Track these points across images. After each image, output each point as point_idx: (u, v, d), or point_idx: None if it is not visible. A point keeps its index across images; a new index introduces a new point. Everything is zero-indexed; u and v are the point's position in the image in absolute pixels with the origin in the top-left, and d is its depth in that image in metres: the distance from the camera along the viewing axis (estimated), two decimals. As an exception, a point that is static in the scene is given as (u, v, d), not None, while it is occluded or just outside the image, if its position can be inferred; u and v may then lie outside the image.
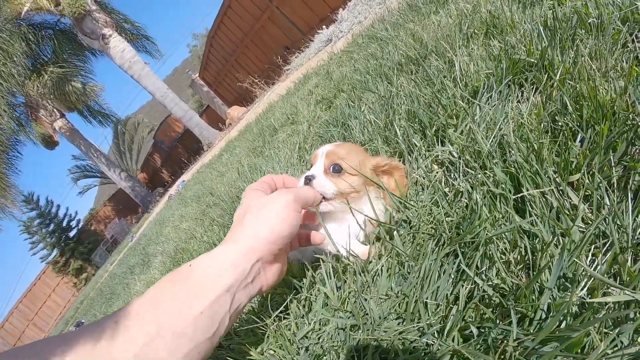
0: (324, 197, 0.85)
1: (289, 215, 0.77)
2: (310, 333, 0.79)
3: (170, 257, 2.76)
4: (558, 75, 0.78)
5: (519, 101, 0.86)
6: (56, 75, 15.07)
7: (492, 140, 0.72)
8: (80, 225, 27.19)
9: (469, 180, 0.70)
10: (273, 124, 3.22)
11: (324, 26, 8.36)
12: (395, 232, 0.74)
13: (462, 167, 0.74)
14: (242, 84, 11.74)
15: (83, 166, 27.37)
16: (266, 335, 0.85)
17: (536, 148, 0.62)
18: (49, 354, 0.54)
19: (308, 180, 0.86)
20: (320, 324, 0.79)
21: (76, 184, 27.77)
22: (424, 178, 0.83)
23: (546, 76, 0.83)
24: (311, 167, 0.91)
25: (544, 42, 0.91)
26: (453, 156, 0.80)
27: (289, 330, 0.83)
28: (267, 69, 11.24)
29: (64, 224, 26.44)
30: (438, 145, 0.90)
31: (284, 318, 0.86)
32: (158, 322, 0.62)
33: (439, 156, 0.85)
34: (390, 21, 2.97)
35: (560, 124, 0.68)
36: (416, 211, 0.75)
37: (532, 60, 0.90)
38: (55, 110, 18.05)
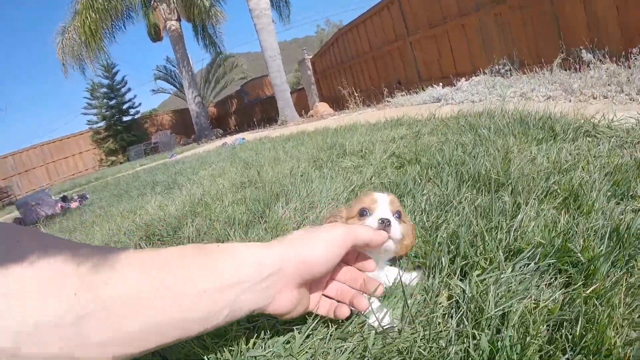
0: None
1: (334, 247, 0.76)
2: (260, 357, 0.86)
3: (190, 202, 2.84)
4: (591, 289, 0.81)
5: (546, 285, 0.89)
6: (192, -17, 16.04)
7: (499, 308, 0.76)
8: (136, 117, 28.53)
9: (458, 331, 0.74)
10: (345, 146, 3.29)
11: (441, 84, 8.38)
12: (373, 331, 0.79)
13: (462, 313, 0.79)
14: (342, 89, 11.95)
15: (169, 71, 29.11)
16: (227, 335, 0.92)
17: (526, 342, 0.66)
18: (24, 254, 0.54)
19: (386, 223, 0.90)
20: (272, 355, 0.86)
21: (155, 82, 29.53)
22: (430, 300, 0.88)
23: (582, 282, 0.86)
24: (365, 209, 0.97)
25: (601, 251, 0.94)
26: (462, 298, 0.85)
27: (247, 342, 0.89)
28: (372, 90, 11.38)
29: (124, 107, 27.86)
30: (457, 276, 0.95)
31: (252, 329, 0.92)
32: (159, 279, 0.61)
33: (452, 288, 0.90)
34: (496, 122, 2.98)
35: (561, 333, 0.72)
36: (400, 326, 0.81)
37: (582, 258, 0.93)
38: (175, 10, 19.19)
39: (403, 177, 1.95)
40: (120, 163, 23.23)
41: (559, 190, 1.39)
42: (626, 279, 0.86)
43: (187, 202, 2.84)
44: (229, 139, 12.08)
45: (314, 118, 11.55)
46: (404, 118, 4.77)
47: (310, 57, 17.85)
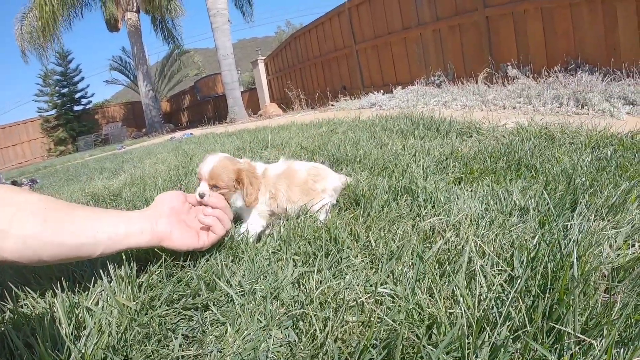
0: None
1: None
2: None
3: (131, 178, 3.28)
4: (352, 215, 1.35)
5: (337, 212, 1.43)
6: (154, -26, 16.17)
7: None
8: (87, 107, 27.91)
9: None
10: (268, 141, 3.80)
11: (382, 91, 9.02)
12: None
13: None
14: (289, 92, 12.49)
15: (125, 62, 28.82)
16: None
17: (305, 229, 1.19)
18: None
19: (202, 196, 1.40)
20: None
21: (110, 72, 29.18)
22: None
23: (354, 210, 1.40)
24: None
25: (382, 197, 1.49)
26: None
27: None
28: (318, 94, 11.96)
29: (77, 96, 27.14)
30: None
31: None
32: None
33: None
34: (391, 124, 3.56)
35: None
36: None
37: (362, 199, 1.48)
38: (135, 2, 19.12)
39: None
40: (69, 153, 22.54)
41: (390, 166, 1.97)
42: (387, 213, 1.41)
43: (128, 179, 3.29)
44: (178, 134, 12.33)
45: (263, 117, 12.01)
46: (334, 120, 5.33)
47: (264, 58, 18.25)
